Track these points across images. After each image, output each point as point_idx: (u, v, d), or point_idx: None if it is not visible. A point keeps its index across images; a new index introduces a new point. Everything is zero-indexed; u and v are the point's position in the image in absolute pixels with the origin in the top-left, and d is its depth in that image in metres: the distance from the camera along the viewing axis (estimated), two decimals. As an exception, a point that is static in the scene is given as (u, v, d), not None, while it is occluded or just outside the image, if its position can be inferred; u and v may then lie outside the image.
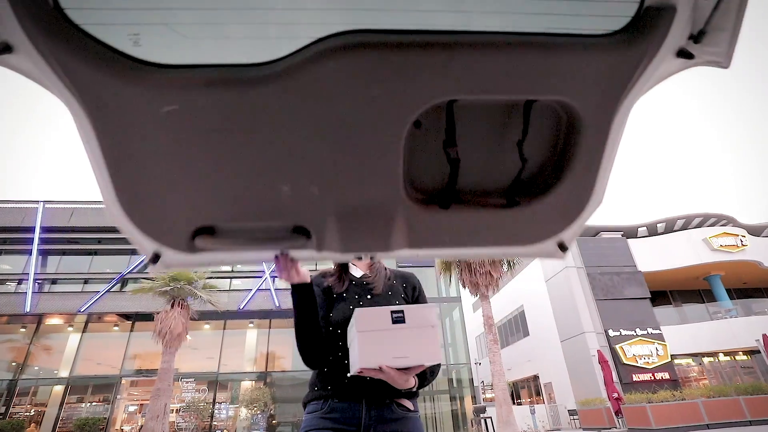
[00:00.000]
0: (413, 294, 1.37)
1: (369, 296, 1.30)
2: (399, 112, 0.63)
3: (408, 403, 1.21)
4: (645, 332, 16.26)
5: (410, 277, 1.41)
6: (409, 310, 1.01)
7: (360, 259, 0.87)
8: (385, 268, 1.38)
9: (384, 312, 1.00)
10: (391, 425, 1.16)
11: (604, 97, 0.66)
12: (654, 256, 18.10)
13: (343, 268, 1.35)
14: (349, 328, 1.11)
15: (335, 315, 1.25)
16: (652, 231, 19.99)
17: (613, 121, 0.68)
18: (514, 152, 0.77)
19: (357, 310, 1.01)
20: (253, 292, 16.62)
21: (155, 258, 0.81)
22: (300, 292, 1.15)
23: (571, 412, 16.83)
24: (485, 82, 0.61)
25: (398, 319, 1.00)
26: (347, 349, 1.15)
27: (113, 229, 17.61)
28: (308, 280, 1.16)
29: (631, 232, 19.96)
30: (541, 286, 19.89)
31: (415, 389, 1.19)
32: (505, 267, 10.91)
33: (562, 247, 0.90)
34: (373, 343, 0.97)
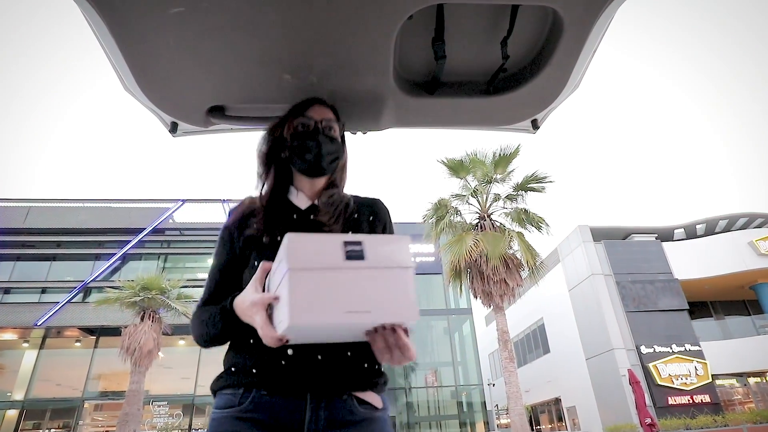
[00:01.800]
0: (380, 230, 1.07)
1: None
2: (396, 8, 0.82)
3: (374, 399, 0.93)
4: (682, 349, 16.25)
5: (376, 204, 1.09)
6: (370, 241, 0.73)
7: (354, 134, 1.13)
8: (346, 197, 1.07)
9: (333, 242, 0.71)
10: (350, 431, 0.87)
11: (588, 4, 0.85)
12: (693, 262, 18.08)
13: (275, 199, 1.03)
14: (273, 269, 0.80)
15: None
16: (691, 233, 19.98)
17: (595, 25, 0.88)
18: (497, 49, 0.98)
19: (289, 236, 0.71)
20: (234, 302, 16.56)
21: (174, 126, 1.10)
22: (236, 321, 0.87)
23: (598, 440, 16.82)
24: None
25: (354, 253, 0.71)
26: None
27: (75, 231, 17.69)
28: (274, 343, 0.80)
29: (666, 234, 19.95)
30: (563, 295, 19.89)
31: (382, 379, 0.94)
32: (524, 273, 10.91)
33: (534, 125, 1.19)
34: (313, 288, 0.68)
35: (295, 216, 1.01)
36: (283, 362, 0.88)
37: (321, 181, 1.05)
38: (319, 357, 0.88)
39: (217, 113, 1.07)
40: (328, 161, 1.01)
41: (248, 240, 0.99)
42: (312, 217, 1.01)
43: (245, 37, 0.88)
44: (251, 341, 0.88)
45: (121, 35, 0.83)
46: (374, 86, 1.01)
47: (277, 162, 1.03)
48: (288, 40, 0.89)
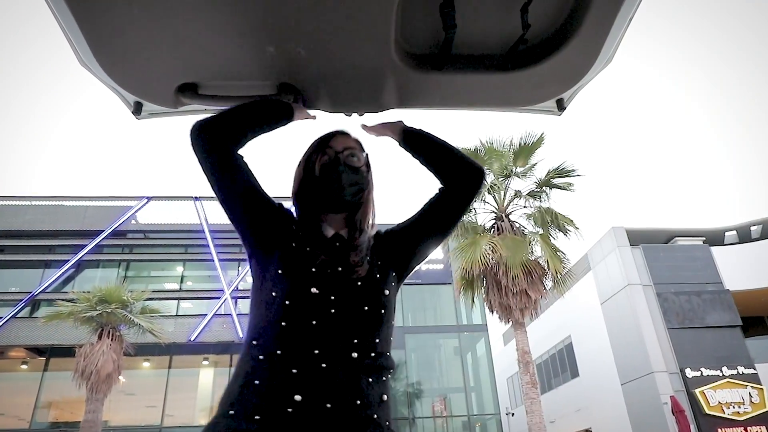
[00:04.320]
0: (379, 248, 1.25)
1: (341, 269, 1.13)
2: None
3: None
4: (735, 372, 16.25)
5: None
6: None
7: (349, 116, 1.18)
8: (367, 235, 1.24)
9: None
10: None
11: None
12: (747, 270, 18.09)
13: (314, 225, 1.20)
14: None
15: (290, 277, 1.09)
16: (745, 236, 20.00)
17: (624, 2, 0.87)
18: (516, 16, 0.96)
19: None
20: (208, 317, 16.64)
21: (138, 107, 1.07)
22: (282, 110, 1.14)
23: (636, 480, 16.82)
24: None
25: None
26: (302, 340, 1.01)
27: (20, 234, 17.70)
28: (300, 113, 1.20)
29: (715, 238, 19.97)
30: (594, 309, 19.91)
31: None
32: (548, 283, 10.92)
33: (560, 105, 1.17)
34: None
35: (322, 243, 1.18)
36: (289, 409, 0.94)
37: (344, 214, 1.22)
38: (329, 405, 0.96)
39: (189, 92, 1.05)
40: (351, 193, 1.18)
41: (278, 231, 1.17)
42: (338, 244, 1.18)
43: (222, 2, 0.85)
44: (256, 382, 0.98)
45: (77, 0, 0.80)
46: (372, 59, 0.99)
47: (307, 196, 1.21)
48: (271, 5, 0.86)
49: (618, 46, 1.01)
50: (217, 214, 18.39)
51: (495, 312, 11.25)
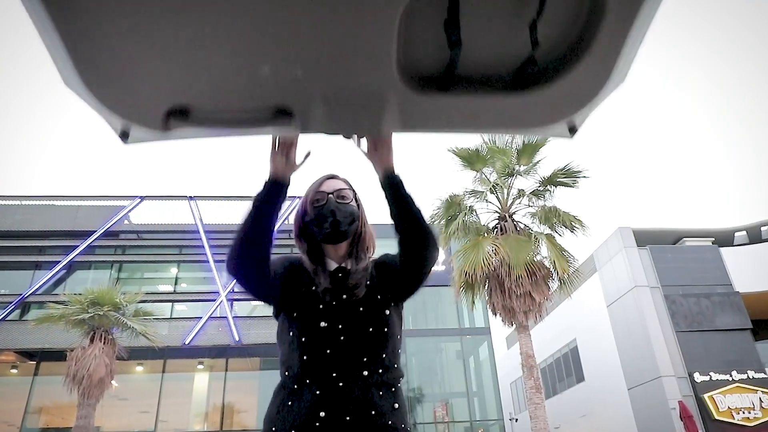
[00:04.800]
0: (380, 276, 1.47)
1: (345, 296, 1.38)
2: None
3: None
4: (744, 376, 16.26)
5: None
6: None
7: (348, 138, 1.17)
8: (366, 263, 1.48)
9: None
10: None
11: None
12: (757, 272, 18.10)
13: (318, 261, 1.45)
14: None
15: (303, 319, 1.35)
16: (755, 237, 20.00)
17: (642, 8, 0.83)
18: (525, 33, 0.93)
19: None
20: (203, 320, 16.64)
21: (124, 134, 1.02)
22: (274, 189, 1.31)
23: (643, 487, 16.82)
24: None
25: None
26: (318, 370, 1.29)
27: (10, 234, 17.71)
28: (288, 181, 1.33)
29: (725, 239, 19.98)
30: (600, 312, 19.92)
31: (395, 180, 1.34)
32: (553, 285, 10.92)
33: (572, 130, 1.14)
34: None
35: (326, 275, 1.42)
36: (317, 424, 1.22)
37: (343, 246, 1.47)
38: (348, 418, 1.23)
39: (179, 115, 1.02)
40: (346, 224, 1.41)
41: (290, 283, 1.41)
42: (340, 275, 1.42)
43: (216, 20, 0.82)
44: (289, 404, 1.27)
45: (62, 16, 0.76)
46: (373, 80, 0.96)
47: (309, 234, 1.47)
48: (266, 22, 0.83)
49: (631, 65, 0.99)
50: (212, 214, 18.42)
51: (498, 315, 11.26)
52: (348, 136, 1.15)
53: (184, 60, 0.88)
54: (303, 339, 1.31)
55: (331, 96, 0.98)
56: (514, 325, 11.07)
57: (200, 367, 17.52)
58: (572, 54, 0.97)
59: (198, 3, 0.78)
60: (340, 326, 1.32)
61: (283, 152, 1.30)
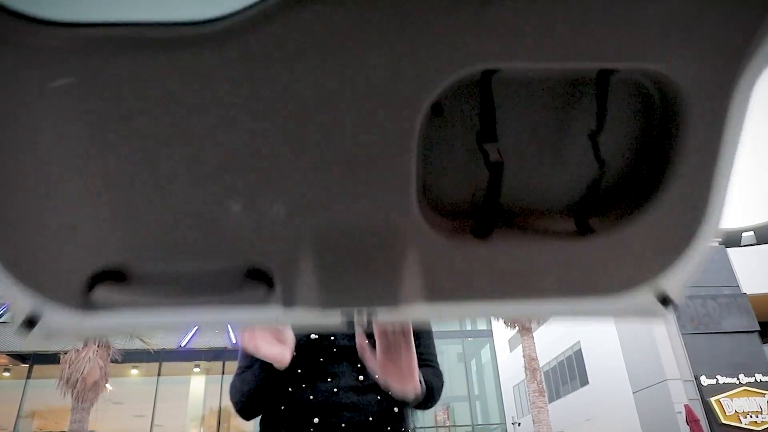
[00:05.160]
0: None
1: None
2: (409, 92, 0.56)
3: None
4: (752, 380, 16.25)
5: None
6: None
7: (350, 323, 0.76)
8: None
9: None
10: None
11: (717, 67, 0.58)
12: (765, 273, 18.10)
13: None
14: None
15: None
16: (763, 237, 20.00)
17: (731, 104, 0.61)
18: (582, 151, 0.69)
19: None
20: (199, 323, 16.60)
21: (30, 322, 0.69)
22: (274, 374, 1.26)
23: (648, 493, 16.83)
24: (538, 40, 0.55)
25: None
26: (318, 373, 1.31)
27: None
28: (288, 356, 1.24)
29: (732, 239, 19.96)
30: (605, 314, 19.87)
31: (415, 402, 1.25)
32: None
33: (665, 301, 0.80)
34: None
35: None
36: (311, 429, 1.25)
37: None
38: (343, 425, 1.25)
39: (105, 287, 0.68)
40: None
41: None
42: None
43: (172, 140, 0.58)
44: (282, 408, 1.30)
45: None
46: (385, 224, 0.66)
47: None
48: (244, 144, 0.58)
49: (724, 195, 0.70)
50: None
51: (500, 317, 11.25)
52: (350, 319, 0.74)
53: (123, 197, 0.62)
54: (295, 352, 1.31)
55: (325, 249, 0.68)
56: (517, 328, 11.08)
57: (196, 369, 17.53)
58: (648, 179, 0.69)
59: (136, 129, 0.57)
60: (332, 337, 1.37)
61: (273, 334, 1.22)
